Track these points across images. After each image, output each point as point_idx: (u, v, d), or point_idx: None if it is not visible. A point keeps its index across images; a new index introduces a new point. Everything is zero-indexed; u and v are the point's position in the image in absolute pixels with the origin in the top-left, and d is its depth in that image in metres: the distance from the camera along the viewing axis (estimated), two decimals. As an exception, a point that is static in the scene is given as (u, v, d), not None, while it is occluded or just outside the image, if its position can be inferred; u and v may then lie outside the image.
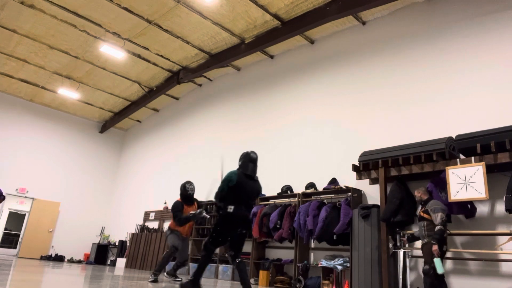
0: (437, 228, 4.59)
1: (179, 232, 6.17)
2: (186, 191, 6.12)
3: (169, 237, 6.23)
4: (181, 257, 6.13)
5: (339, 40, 8.59)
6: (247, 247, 8.33)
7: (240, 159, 4.58)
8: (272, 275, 7.29)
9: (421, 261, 5.72)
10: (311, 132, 8.32)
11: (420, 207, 5.13)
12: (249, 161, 4.53)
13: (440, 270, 4.45)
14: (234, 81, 11.20)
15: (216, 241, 4.41)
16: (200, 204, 6.43)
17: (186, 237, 6.33)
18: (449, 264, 5.45)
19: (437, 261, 4.48)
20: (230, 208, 4.29)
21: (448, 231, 4.84)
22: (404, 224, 5.73)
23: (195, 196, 6.41)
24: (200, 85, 12.54)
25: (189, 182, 6.25)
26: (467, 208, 5.23)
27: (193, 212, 5.83)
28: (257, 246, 7.96)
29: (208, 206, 9.63)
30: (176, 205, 6.07)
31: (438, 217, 4.62)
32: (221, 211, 4.43)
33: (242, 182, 4.38)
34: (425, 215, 4.83)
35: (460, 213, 5.27)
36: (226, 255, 4.59)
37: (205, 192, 9.92)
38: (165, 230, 11.22)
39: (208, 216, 6.26)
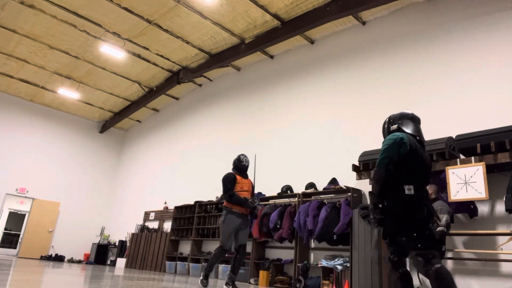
0: (439, 228, 4.57)
1: (235, 211, 5.09)
2: (241, 162, 5.35)
3: (221, 223, 5.14)
4: (237, 243, 5.13)
5: (339, 40, 8.60)
6: (247, 247, 8.34)
7: None
8: (272, 275, 7.29)
9: (421, 261, 5.72)
10: (311, 132, 8.32)
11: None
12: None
13: None
14: (234, 81, 11.20)
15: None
16: (253, 184, 5.49)
17: (246, 217, 5.21)
18: (449, 264, 5.45)
19: None
20: (410, 189, 2.81)
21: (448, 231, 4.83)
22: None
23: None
24: (200, 85, 12.55)
25: (243, 155, 5.47)
26: (470, 207, 5.23)
27: (250, 200, 5.07)
28: (257, 246, 7.96)
29: (208, 206, 9.64)
30: (227, 176, 5.21)
31: (443, 219, 4.58)
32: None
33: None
34: None
35: (464, 211, 5.26)
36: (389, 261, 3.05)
37: (206, 192, 10.02)
38: (165, 230, 11.22)
39: (258, 205, 5.21)
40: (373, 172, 2.97)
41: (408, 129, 3.11)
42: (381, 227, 2.89)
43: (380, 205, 2.84)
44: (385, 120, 3.36)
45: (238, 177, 5.28)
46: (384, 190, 2.86)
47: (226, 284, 5.01)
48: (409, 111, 3.30)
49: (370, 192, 2.97)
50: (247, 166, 5.43)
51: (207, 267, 5.08)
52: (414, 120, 3.24)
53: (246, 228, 5.26)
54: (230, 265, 5.25)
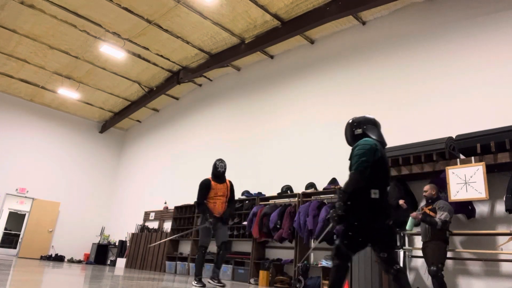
0: (435, 218, 4.58)
1: (209, 210, 5.47)
2: (216, 169, 5.69)
3: (200, 224, 5.52)
4: (217, 240, 5.48)
5: (339, 40, 8.59)
6: (247, 247, 8.36)
7: None
8: (272, 275, 7.29)
9: (421, 261, 5.72)
10: (311, 132, 8.32)
11: (425, 203, 5.02)
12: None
13: (409, 227, 4.86)
14: (234, 81, 11.20)
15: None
16: (232, 186, 5.86)
17: (220, 217, 5.55)
18: (449, 264, 5.45)
19: (410, 219, 4.92)
20: (375, 193, 2.93)
21: (449, 232, 4.83)
22: (404, 224, 5.72)
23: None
24: (200, 85, 12.54)
25: (220, 160, 5.81)
26: (468, 208, 5.23)
27: (208, 222, 5.38)
28: (257, 246, 7.96)
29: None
30: (202, 182, 5.61)
31: (442, 215, 4.57)
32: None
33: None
34: (431, 213, 4.71)
35: (462, 212, 5.26)
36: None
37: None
38: (165, 230, 11.23)
39: (206, 223, 5.46)
40: (351, 174, 3.07)
41: (373, 135, 3.18)
42: (339, 224, 3.01)
43: (349, 202, 2.95)
44: (348, 122, 3.41)
45: (213, 183, 5.62)
46: (354, 191, 2.98)
47: (211, 278, 5.41)
48: (371, 116, 3.36)
49: (340, 190, 3.10)
50: (223, 171, 5.77)
51: (197, 271, 5.38)
52: (377, 125, 3.31)
53: (224, 226, 5.62)
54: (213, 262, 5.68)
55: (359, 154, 2.99)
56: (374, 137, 3.15)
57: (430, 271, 4.56)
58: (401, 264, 5.44)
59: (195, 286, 5.17)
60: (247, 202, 8.65)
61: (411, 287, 2.93)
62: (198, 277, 5.30)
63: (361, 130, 3.25)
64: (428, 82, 6.69)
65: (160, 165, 13.17)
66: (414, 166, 5.64)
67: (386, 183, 3.06)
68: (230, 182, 5.89)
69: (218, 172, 5.71)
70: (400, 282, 2.87)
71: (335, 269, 2.96)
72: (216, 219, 5.48)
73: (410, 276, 5.60)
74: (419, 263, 5.74)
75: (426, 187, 5.00)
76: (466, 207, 5.21)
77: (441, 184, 5.35)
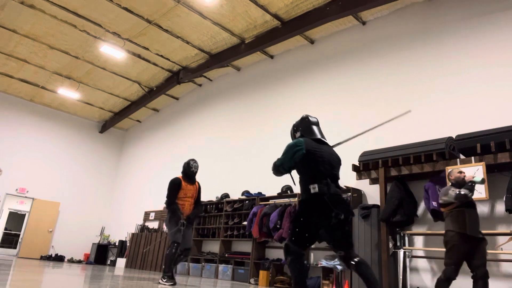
0: (463, 191, 3.91)
1: (178, 209, 5.50)
2: (189, 168, 5.62)
3: (166, 220, 5.56)
4: (182, 244, 5.46)
5: (339, 40, 8.59)
6: (247, 247, 8.36)
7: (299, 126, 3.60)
8: (272, 275, 7.29)
9: (421, 261, 5.73)
10: (311, 132, 8.30)
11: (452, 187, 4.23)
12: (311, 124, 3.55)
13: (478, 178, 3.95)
14: (234, 81, 11.20)
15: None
16: (200, 188, 5.81)
17: (187, 217, 5.56)
18: (449, 264, 5.45)
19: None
20: (314, 188, 3.03)
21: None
22: (404, 224, 5.73)
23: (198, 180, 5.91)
24: (200, 85, 12.55)
25: (193, 160, 5.72)
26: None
27: (179, 223, 5.37)
28: (257, 246, 7.96)
29: (208, 206, 9.65)
30: (172, 181, 5.55)
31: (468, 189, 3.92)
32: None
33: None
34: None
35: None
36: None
37: (205, 192, 10.00)
38: (165, 230, 11.23)
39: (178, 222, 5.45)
40: (272, 169, 3.37)
41: (310, 134, 3.38)
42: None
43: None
44: (291, 128, 3.66)
45: (183, 183, 5.55)
46: (301, 190, 3.17)
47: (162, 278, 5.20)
48: (305, 116, 3.59)
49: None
50: (195, 172, 5.69)
51: (167, 268, 5.21)
52: (314, 123, 3.53)
53: (189, 227, 5.63)
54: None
55: (283, 153, 3.25)
56: (309, 136, 3.36)
57: (484, 273, 3.79)
58: (401, 264, 5.45)
59: (164, 284, 5.01)
60: (247, 202, 8.65)
61: (374, 276, 2.96)
62: (168, 274, 5.15)
63: (299, 133, 3.49)
64: (428, 82, 6.69)
65: (160, 164, 13.17)
66: (414, 166, 5.64)
67: (330, 175, 3.13)
68: (198, 183, 5.85)
69: (192, 172, 5.64)
70: (361, 271, 2.93)
71: (291, 268, 2.98)
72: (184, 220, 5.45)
73: (410, 276, 5.59)
74: (419, 263, 5.75)
75: (457, 173, 4.27)
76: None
77: (440, 182, 5.36)
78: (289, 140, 3.62)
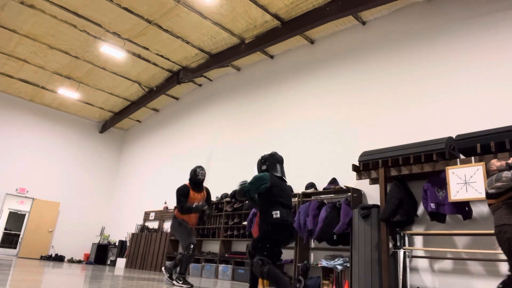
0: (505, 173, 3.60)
1: (185, 221, 5.45)
2: (196, 176, 5.55)
3: (173, 227, 5.55)
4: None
5: (339, 40, 8.59)
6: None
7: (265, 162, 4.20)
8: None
9: (421, 261, 5.73)
10: (311, 132, 8.32)
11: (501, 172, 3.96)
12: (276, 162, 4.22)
13: None
14: (234, 81, 11.20)
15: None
16: (209, 193, 5.84)
17: (192, 228, 5.61)
18: (449, 264, 5.46)
19: None
20: (276, 213, 3.79)
21: None
22: (404, 224, 5.73)
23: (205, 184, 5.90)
24: (200, 85, 12.55)
25: (200, 167, 5.65)
26: (464, 209, 5.23)
27: (197, 204, 5.36)
28: (257, 246, 7.94)
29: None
30: (180, 188, 5.49)
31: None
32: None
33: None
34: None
35: (458, 213, 5.26)
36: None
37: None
38: (165, 230, 11.23)
39: (208, 212, 5.53)
40: (236, 192, 4.03)
41: (274, 171, 4.10)
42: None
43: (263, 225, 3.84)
44: (259, 158, 4.27)
45: (191, 192, 5.51)
46: (262, 215, 3.87)
47: (177, 279, 5.18)
48: (274, 153, 4.24)
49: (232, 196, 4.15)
50: (203, 179, 5.66)
51: (183, 269, 5.19)
52: (279, 162, 4.20)
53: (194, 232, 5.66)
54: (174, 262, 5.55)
55: (248, 183, 3.96)
56: (274, 172, 4.07)
57: None
58: (401, 264, 5.44)
59: (182, 286, 5.01)
60: (247, 202, 8.65)
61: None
62: (183, 275, 5.16)
63: (265, 167, 4.15)
64: (428, 82, 6.69)
65: (160, 165, 13.18)
66: (414, 166, 5.64)
67: (287, 205, 3.92)
68: (207, 189, 5.81)
69: (198, 179, 5.58)
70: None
71: (272, 274, 3.55)
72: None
73: (410, 276, 5.59)
74: (419, 263, 5.75)
75: (496, 162, 4.02)
76: (463, 208, 5.21)
77: (439, 183, 5.36)
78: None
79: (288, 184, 4.23)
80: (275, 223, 3.74)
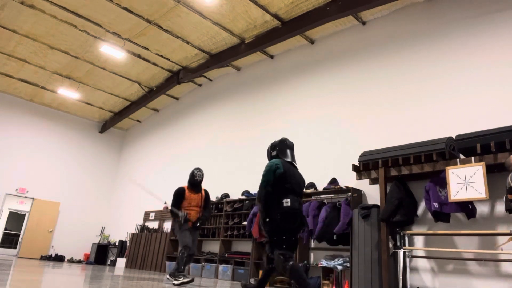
0: None
1: (185, 217, 5.61)
2: (194, 177, 5.72)
3: (175, 229, 5.80)
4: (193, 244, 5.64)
5: (339, 40, 8.59)
6: (247, 247, 8.36)
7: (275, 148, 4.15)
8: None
9: (421, 261, 5.73)
10: (311, 132, 8.32)
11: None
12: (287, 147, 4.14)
13: None
14: (234, 81, 11.20)
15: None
16: (208, 195, 5.94)
17: (194, 227, 5.70)
18: (449, 264, 5.46)
19: None
20: (287, 202, 3.71)
21: None
22: (404, 224, 5.73)
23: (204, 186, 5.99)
24: (200, 85, 12.55)
25: (198, 169, 5.81)
26: (468, 207, 5.23)
27: (182, 214, 5.54)
28: (257, 246, 7.95)
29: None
30: (177, 190, 5.71)
31: None
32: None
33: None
34: None
35: (462, 211, 5.25)
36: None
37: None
38: (165, 230, 11.23)
39: (200, 223, 5.72)
40: (257, 193, 3.88)
41: (284, 156, 4.02)
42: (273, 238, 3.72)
43: (267, 219, 3.71)
44: (269, 145, 4.20)
45: (187, 192, 5.69)
46: (268, 206, 3.72)
47: (174, 276, 5.26)
48: (284, 138, 4.17)
49: (259, 210, 3.85)
50: (200, 180, 5.78)
51: (180, 267, 5.30)
52: (289, 147, 4.13)
53: (196, 232, 5.77)
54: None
55: (263, 175, 3.82)
56: (284, 158, 3.99)
57: None
58: (401, 264, 5.45)
59: (182, 281, 5.10)
60: (247, 202, 8.65)
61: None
62: (182, 273, 5.26)
63: (275, 152, 4.07)
64: (428, 81, 6.69)
65: (160, 165, 13.17)
66: (414, 166, 5.64)
67: (297, 193, 3.85)
68: (205, 191, 5.92)
69: (196, 180, 5.73)
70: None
71: (293, 271, 3.49)
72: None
73: (410, 276, 5.60)
74: (419, 263, 5.75)
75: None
76: (466, 207, 5.21)
77: (441, 182, 5.35)
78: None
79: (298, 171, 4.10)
80: (285, 212, 3.67)
